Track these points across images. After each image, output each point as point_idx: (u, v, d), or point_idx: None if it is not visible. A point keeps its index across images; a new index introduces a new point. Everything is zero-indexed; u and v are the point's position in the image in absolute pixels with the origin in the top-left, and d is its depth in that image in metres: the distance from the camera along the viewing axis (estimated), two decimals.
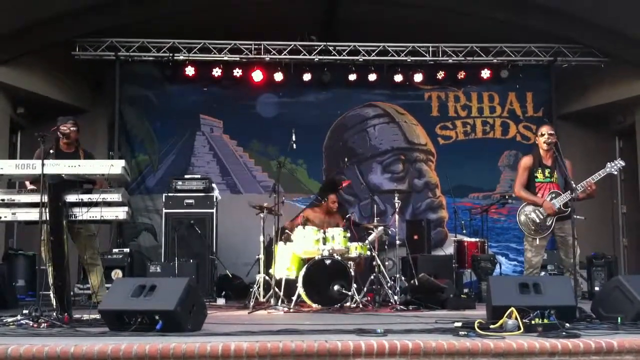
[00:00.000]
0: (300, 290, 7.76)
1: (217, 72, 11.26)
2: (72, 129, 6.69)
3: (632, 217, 11.90)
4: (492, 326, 4.78)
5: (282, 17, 10.91)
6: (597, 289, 9.70)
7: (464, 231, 10.29)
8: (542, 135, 6.96)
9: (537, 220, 6.88)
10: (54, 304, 5.87)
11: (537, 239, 6.87)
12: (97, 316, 5.31)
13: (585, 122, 12.25)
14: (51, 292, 5.91)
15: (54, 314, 5.62)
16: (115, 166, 5.77)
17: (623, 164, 6.85)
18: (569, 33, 11.01)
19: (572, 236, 6.46)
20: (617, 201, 12.08)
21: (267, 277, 8.34)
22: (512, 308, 4.85)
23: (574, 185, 6.47)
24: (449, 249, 10.77)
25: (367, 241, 8.48)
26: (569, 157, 7.03)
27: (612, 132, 12.38)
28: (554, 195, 6.86)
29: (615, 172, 6.88)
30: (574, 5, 10.28)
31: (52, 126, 6.63)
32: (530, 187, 7.01)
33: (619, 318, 5.21)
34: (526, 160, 7.09)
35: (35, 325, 5.23)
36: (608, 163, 6.79)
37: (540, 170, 6.98)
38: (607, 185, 11.11)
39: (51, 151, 6.30)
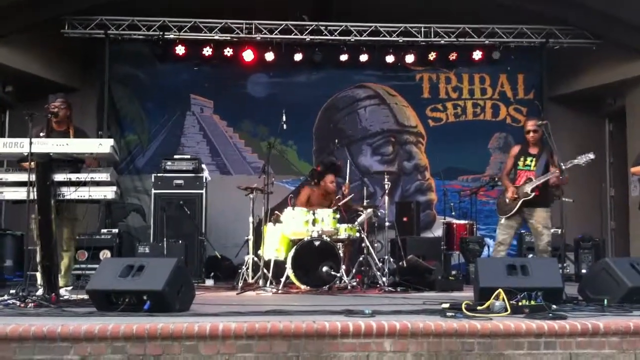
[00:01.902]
0: (289, 271, 7.77)
1: (207, 51, 11.16)
2: (61, 106, 6.63)
3: (620, 200, 11.95)
4: (479, 307, 4.82)
5: None
6: (584, 271, 9.77)
7: (453, 213, 10.32)
8: (528, 132, 7.42)
9: (505, 202, 7.44)
10: (40, 283, 5.86)
11: (503, 218, 7.46)
12: (85, 296, 5.30)
13: (576, 104, 12.25)
14: (38, 272, 5.89)
15: (41, 293, 5.61)
16: (104, 145, 5.74)
17: (592, 157, 7.18)
18: (561, 15, 10.98)
19: (542, 224, 7.26)
20: (605, 184, 12.11)
21: (255, 259, 8.35)
22: (500, 290, 4.89)
23: (563, 167, 6.67)
24: (437, 231, 10.80)
25: (356, 223, 8.48)
26: (559, 139, 7.09)
27: (603, 114, 12.40)
28: (527, 181, 7.31)
29: (583, 164, 7.19)
30: None
31: (41, 104, 6.58)
32: (513, 173, 7.57)
33: (605, 300, 5.25)
34: (514, 149, 7.73)
35: (23, 305, 5.23)
36: (578, 155, 7.16)
37: (522, 158, 7.48)
38: (595, 168, 11.14)
39: (42, 134, 6.26)
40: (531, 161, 7.40)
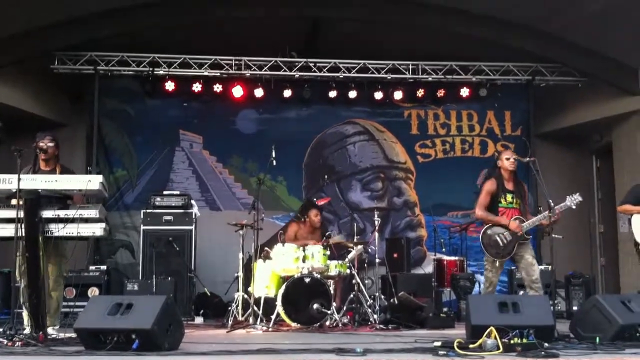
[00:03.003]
0: (279, 308, 7.71)
1: (197, 87, 11.21)
2: (49, 144, 6.58)
3: (609, 236, 11.98)
4: (471, 346, 4.79)
5: (263, 33, 10.91)
6: (575, 308, 9.75)
7: (443, 250, 10.29)
8: (507, 159, 7.18)
9: (500, 244, 7.05)
10: (26, 322, 5.77)
11: (497, 261, 7.07)
12: (73, 335, 5.23)
13: (563, 141, 12.36)
14: (24, 310, 5.81)
15: (29, 332, 5.53)
16: (92, 182, 5.71)
17: (580, 199, 7.02)
18: (547, 52, 11.13)
19: (532, 255, 7.01)
20: (594, 220, 12.17)
21: (245, 296, 8.28)
22: (492, 327, 4.86)
23: (552, 204, 6.58)
24: (428, 268, 10.76)
25: (346, 259, 8.46)
26: (547, 176, 7.10)
27: (590, 151, 12.50)
28: (518, 221, 7.03)
29: (574, 207, 7.02)
30: (551, 25, 10.40)
31: (29, 140, 6.55)
32: (493, 211, 7.19)
33: (597, 338, 5.24)
34: (490, 185, 7.24)
35: (10, 344, 5.15)
36: (567, 197, 6.98)
37: (503, 196, 7.17)
38: (584, 205, 11.17)
39: (30, 173, 6.22)
40: (512, 198, 7.15)
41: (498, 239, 7.05)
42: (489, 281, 7.17)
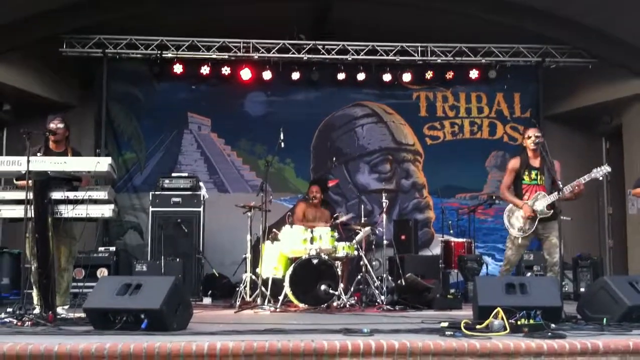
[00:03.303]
0: (287, 289, 7.74)
1: (205, 70, 11.21)
2: (59, 125, 6.62)
3: (618, 218, 11.96)
4: (478, 326, 4.79)
5: (271, 15, 10.87)
6: (582, 289, 9.76)
7: (451, 231, 10.29)
8: (529, 137, 7.06)
9: (521, 222, 6.98)
10: (36, 301, 5.83)
11: (520, 239, 7.00)
12: (82, 314, 5.27)
13: (572, 123, 12.30)
14: (34, 290, 5.86)
15: (38, 312, 5.58)
16: (101, 163, 5.74)
17: (609, 169, 6.88)
18: (557, 34, 11.05)
19: (557, 237, 6.66)
20: (603, 202, 12.14)
21: (253, 277, 8.32)
22: (498, 308, 4.87)
23: (561, 186, 6.51)
24: (435, 249, 10.78)
25: (354, 241, 8.47)
26: (557, 158, 7.04)
27: (599, 133, 12.44)
28: (539, 196, 6.90)
29: (600, 178, 6.93)
30: (562, 7, 10.31)
31: (39, 123, 6.60)
32: (517, 188, 7.12)
33: (605, 319, 5.24)
34: (514, 163, 7.18)
35: (20, 324, 5.19)
36: (594, 168, 6.82)
37: (527, 173, 7.06)
38: (593, 186, 11.15)
39: (39, 154, 6.26)
40: (536, 175, 7.02)
41: (520, 215, 6.99)
42: (507, 259, 7.12)
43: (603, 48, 10.95)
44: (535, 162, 7.07)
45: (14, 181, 6.02)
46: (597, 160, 11.93)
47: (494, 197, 10.26)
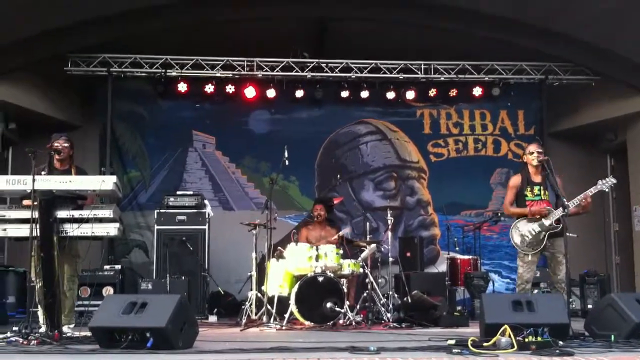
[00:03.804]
0: (292, 307, 7.72)
1: (209, 88, 11.26)
2: (64, 145, 6.65)
3: (624, 234, 11.93)
4: (485, 344, 4.77)
5: (275, 34, 10.94)
6: (590, 306, 9.70)
7: (457, 248, 10.28)
8: (531, 153, 7.04)
9: (530, 236, 6.90)
10: (42, 320, 5.81)
11: (530, 255, 6.90)
12: (88, 333, 5.26)
13: (576, 140, 12.31)
14: (39, 309, 5.85)
15: (44, 330, 5.57)
16: (106, 182, 5.74)
17: (614, 181, 6.85)
18: (559, 52, 11.08)
19: (563, 253, 6.58)
20: (609, 219, 12.11)
21: (259, 294, 8.29)
22: (506, 326, 4.84)
23: (565, 202, 6.48)
24: (441, 267, 10.75)
25: (359, 258, 8.46)
26: (560, 174, 7.02)
27: (604, 150, 12.43)
28: (546, 212, 6.86)
29: (607, 190, 6.87)
30: (564, 24, 10.35)
31: (44, 141, 6.61)
32: (520, 205, 7.06)
33: (612, 336, 5.21)
34: (515, 180, 7.16)
35: (25, 343, 5.18)
36: (599, 180, 6.79)
37: (529, 188, 7.02)
38: (599, 203, 11.16)
39: (43, 172, 6.26)
40: (539, 190, 6.97)
41: (527, 231, 6.90)
42: (520, 278, 6.95)
43: (606, 65, 10.98)
44: (537, 178, 7.04)
45: (22, 200, 6.02)
46: (601, 178, 11.90)
47: (499, 214, 10.24)
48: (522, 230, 6.97)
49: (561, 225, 6.72)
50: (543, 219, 6.85)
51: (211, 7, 10.43)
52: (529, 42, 10.87)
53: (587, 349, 4.80)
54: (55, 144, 6.59)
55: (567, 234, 6.57)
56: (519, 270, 7.03)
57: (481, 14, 10.42)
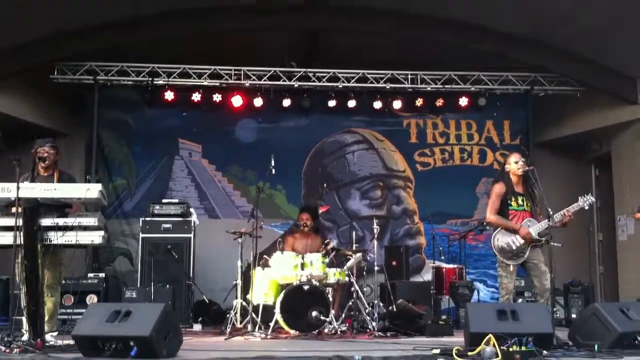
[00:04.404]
0: (277, 316, 7.71)
1: (196, 97, 11.24)
2: (50, 152, 6.59)
3: (608, 244, 12.00)
4: (470, 353, 4.79)
5: (263, 43, 10.96)
6: (574, 316, 9.75)
7: (442, 257, 10.30)
8: (516, 162, 6.93)
9: (513, 247, 6.80)
10: (25, 328, 5.77)
11: (511, 265, 6.81)
12: (71, 342, 5.22)
13: (561, 150, 12.39)
14: (24, 317, 5.80)
15: (27, 339, 5.53)
16: (92, 190, 5.71)
17: (593, 199, 6.86)
18: (545, 62, 11.15)
19: (543, 263, 6.64)
20: (593, 228, 12.18)
21: (244, 303, 8.27)
22: (490, 335, 4.86)
23: (551, 213, 6.49)
24: (427, 275, 10.76)
25: (345, 267, 8.46)
26: (546, 185, 7.05)
27: (588, 160, 12.53)
28: (529, 223, 6.86)
29: (587, 207, 6.83)
30: (549, 35, 10.43)
31: (28, 149, 6.56)
32: (503, 214, 6.93)
33: (596, 345, 5.24)
34: (499, 187, 6.99)
35: (8, 351, 5.15)
36: (580, 197, 6.77)
37: (513, 199, 6.92)
38: (583, 213, 11.16)
39: (26, 181, 6.21)
40: (522, 200, 6.90)
41: (510, 241, 6.81)
42: (505, 288, 6.83)
43: (591, 76, 11.06)
44: (519, 188, 6.96)
45: (7, 208, 5.98)
46: (586, 188, 12.01)
47: (484, 223, 10.26)
48: (504, 241, 6.85)
49: (543, 238, 6.71)
50: (529, 230, 6.82)
51: (199, 16, 10.43)
52: (515, 52, 10.94)
53: (571, 359, 4.83)
54: (41, 151, 6.54)
55: (552, 243, 6.58)
56: (502, 281, 6.89)
57: (467, 25, 10.47)
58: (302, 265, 8.01)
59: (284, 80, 11.24)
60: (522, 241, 6.78)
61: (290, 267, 8.04)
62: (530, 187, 6.94)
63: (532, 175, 6.79)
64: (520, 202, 6.94)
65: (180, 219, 9.83)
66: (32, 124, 10.88)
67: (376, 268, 9.09)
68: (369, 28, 10.64)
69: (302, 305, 7.75)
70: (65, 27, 10.03)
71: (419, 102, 11.69)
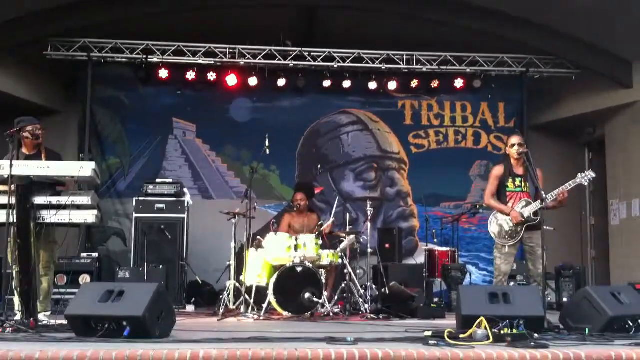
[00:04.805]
0: (270, 297, 7.72)
1: (191, 75, 11.16)
2: (42, 130, 6.56)
3: (600, 228, 12.06)
4: (461, 336, 4.80)
5: (258, 21, 10.88)
6: (565, 299, 9.80)
7: (435, 240, 10.32)
8: (513, 145, 6.99)
9: (507, 228, 6.90)
10: (18, 307, 5.77)
11: (506, 247, 6.89)
12: (64, 321, 5.23)
13: (556, 133, 12.40)
14: (15, 296, 5.79)
15: (20, 318, 5.53)
16: (85, 168, 5.68)
17: (594, 175, 6.88)
18: (541, 44, 11.12)
19: (541, 247, 6.60)
20: (586, 212, 12.23)
21: (237, 284, 8.28)
22: (482, 318, 4.87)
23: (543, 195, 6.50)
24: (420, 258, 10.79)
25: (338, 249, 8.46)
26: (540, 167, 7.05)
27: (582, 143, 12.56)
28: (524, 204, 6.86)
29: (586, 183, 6.88)
30: (546, 17, 10.39)
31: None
32: (501, 196, 7.03)
33: (587, 329, 5.26)
34: (497, 170, 7.11)
35: (0, 330, 5.13)
36: (579, 174, 6.80)
37: (511, 180, 6.99)
38: (576, 197, 11.22)
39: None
40: (521, 182, 6.95)
41: (504, 223, 6.89)
42: (498, 270, 6.94)
43: (587, 59, 11.05)
44: (519, 170, 7.02)
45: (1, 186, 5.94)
46: (580, 171, 12.04)
47: (477, 206, 10.30)
48: (500, 221, 6.95)
49: (539, 217, 6.74)
50: (522, 210, 6.85)
51: None
52: (511, 33, 10.88)
53: (562, 342, 4.85)
54: (31, 129, 6.46)
55: (545, 227, 6.61)
56: (496, 262, 7.02)
57: (464, 4, 10.42)
58: (296, 247, 8.01)
59: (279, 60, 11.18)
60: (513, 222, 6.83)
61: (283, 248, 8.04)
62: (532, 168, 6.94)
63: (526, 158, 6.80)
64: (517, 183, 6.99)
65: (174, 199, 9.80)
66: (25, 100, 10.81)
67: (369, 250, 9.11)
68: (365, 5, 10.56)
69: (295, 287, 7.76)
70: (59, 2, 9.93)
71: (414, 83, 11.65)
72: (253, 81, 11.29)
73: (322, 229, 8.52)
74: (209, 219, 10.39)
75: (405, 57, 11.35)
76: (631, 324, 5.44)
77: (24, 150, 6.52)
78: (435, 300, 9.48)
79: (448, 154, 12.06)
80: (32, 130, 6.46)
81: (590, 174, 6.82)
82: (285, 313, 7.69)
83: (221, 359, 4.04)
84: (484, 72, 11.52)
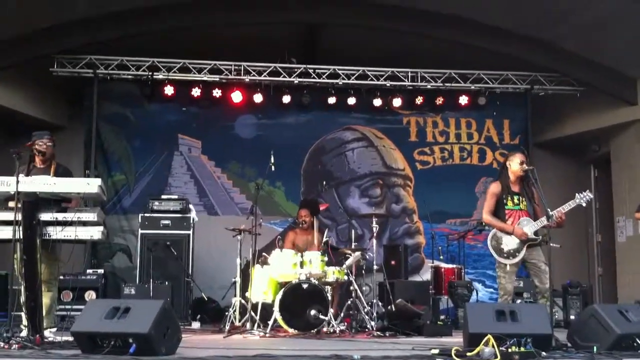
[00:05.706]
0: (276, 314, 7.68)
1: (196, 92, 11.22)
2: (48, 144, 6.55)
3: (607, 245, 12.01)
4: (468, 354, 4.77)
5: (263, 39, 10.94)
6: (572, 317, 9.74)
7: (441, 257, 10.29)
8: (521, 163, 6.86)
9: (506, 248, 6.78)
10: (25, 323, 5.75)
11: (508, 265, 6.77)
12: (70, 338, 5.21)
13: (560, 150, 12.40)
14: (23, 313, 5.78)
15: (26, 335, 5.51)
16: (91, 185, 5.69)
17: (591, 196, 6.78)
18: (545, 62, 11.15)
19: (544, 261, 6.60)
20: (592, 230, 12.19)
21: (243, 301, 8.26)
22: (489, 335, 4.84)
23: (550, 213, 6.45)
24: (426, 275, 10.76)
25: (344, 266, 8.43)
26: (545, 185, 7.03)
27: (587, 160, 12.54)
28: (524, 222, 6.82)
29: (584, 204, 6.75)
30: (550, 34, 10.42)
31: (27, 142, 6.52)
32: (499, 213, 6.91)
33: (595, 347, 5.23)
34: (495, 187, 6.98)
35: (6, 347, 5.12)
36: (577, 194, 6.70)
37: (509, 198, 6.89)
38: (582, 214, 11.22)
39: (21, 175, 6.16)
40: (519, 200, 6.86)
41: (506, 241, 6.78)
42: (503, 289, 6.80)
43: (591, 76, 11.07)
44: (515, 187, 6.92)
45: (6, 202, 5.95)
46: (585, 189, 11.95)
47: (483, 223, 10.25)
48: (500, 240, 6.83)
49: (539, 237, 6.69)
50: (524, 229, 6.79)
51: (200, 10, 10.40)
52: (515, 51, 10.93)
53: None
54: (39, 144, 6.49)
55: (551, 244, 6.56)
56: (500, 282, 6.87)
57: (468, 22, 10.47)
58: (301, 264, 7.99)
59: (284, 77, 11.23)
60: (517, 241, 6.75)
61: (289, 265, 8.02)
62: (529, 186, 6.91)
63: (531, 175, 6.74)
64: (516, 201, 6.89)
65: (180, 215, 9.82)
66: (30, 117, 10.86)
67: (375, 267, 9.08)
68: (370, 23, 10.61)
69: (300, 304, 7.72)
70: (65, 20, 9.99)
71: (419, 100, 11.69)
72: (258, 98, 11.33)
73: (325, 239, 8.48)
74: (214, 235, 10.40)
75: (409, 74, 11.39)
76: (639, 342, 5.40)
77: (37, 164, 6.54)
78: (442, 317, 9.43)
79: (453, 170, 12.06)
80: (39, 146, 6.48)
81: (588, 195, 6.72)
82: (291, 330, 7.65)
83: None
84: (488, 89, 11.55)
